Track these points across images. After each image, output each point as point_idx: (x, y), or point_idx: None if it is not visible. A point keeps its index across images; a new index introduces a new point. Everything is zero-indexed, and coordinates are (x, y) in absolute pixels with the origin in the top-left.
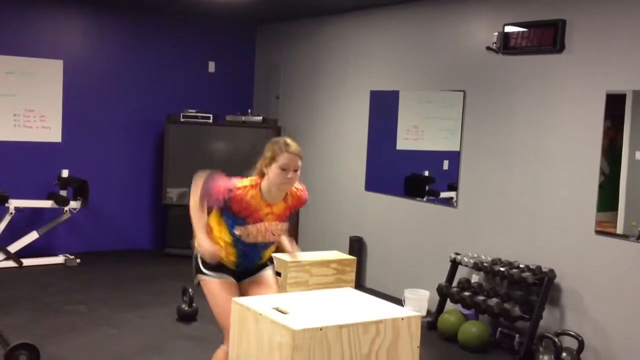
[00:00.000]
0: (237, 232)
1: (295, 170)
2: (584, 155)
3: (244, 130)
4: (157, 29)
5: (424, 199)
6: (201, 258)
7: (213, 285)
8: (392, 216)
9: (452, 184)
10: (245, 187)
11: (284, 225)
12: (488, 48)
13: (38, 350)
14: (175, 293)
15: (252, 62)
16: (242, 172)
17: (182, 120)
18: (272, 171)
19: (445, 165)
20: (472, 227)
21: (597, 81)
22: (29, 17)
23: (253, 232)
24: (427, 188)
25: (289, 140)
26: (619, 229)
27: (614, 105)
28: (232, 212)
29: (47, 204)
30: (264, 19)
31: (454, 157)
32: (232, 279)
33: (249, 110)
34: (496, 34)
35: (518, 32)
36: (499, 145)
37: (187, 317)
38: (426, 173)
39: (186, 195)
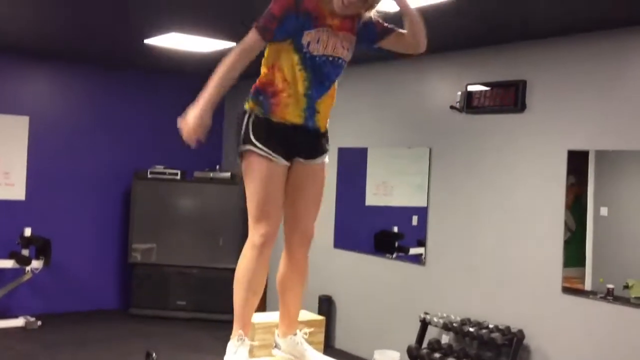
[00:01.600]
0: (306, 38)
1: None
2: (548, 212)
3: (212, 186)
4: (124, 84)
5: (394, 256)
6: (254, 121)
7: (261, 165)
8: (362, 274)
9: (421, 240)
10: None
11: (352, 38)
12: (452, 107)
13: None
14: (141, 355)
15: (221, 118)
16: (211, 229)
17: (149, 176)
18: None
19: (414, 220)
20: (441, 285)
21: (558, 139)
22: None
23: (323, 37)
24: (396, 244)
25: None
26: (587, 285)
27: (578, 161)
28: (301, 15)
29: (8, 263)
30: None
31: (423, 212)
32: (284, 162)
33: (217, 167)
34: (459, 93)
35: (480, 91)
36: (465, 201)
37: None
38: (395, 229)
39: (152, 252)
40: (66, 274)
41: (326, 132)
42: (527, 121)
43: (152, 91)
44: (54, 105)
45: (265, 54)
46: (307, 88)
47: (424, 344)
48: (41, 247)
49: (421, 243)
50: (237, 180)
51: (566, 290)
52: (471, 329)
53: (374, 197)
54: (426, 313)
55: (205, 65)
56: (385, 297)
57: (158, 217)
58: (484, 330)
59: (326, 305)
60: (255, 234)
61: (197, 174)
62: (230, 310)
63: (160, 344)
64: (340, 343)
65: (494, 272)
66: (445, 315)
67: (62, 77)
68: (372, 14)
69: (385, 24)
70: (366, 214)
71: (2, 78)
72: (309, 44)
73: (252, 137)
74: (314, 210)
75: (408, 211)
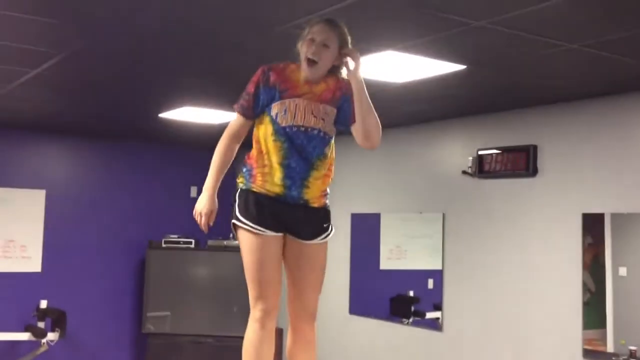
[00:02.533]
0: (274, 110)
1: (325, 46)
2: (565, 273)
3: (225, 254)
4: (139, 156)
5: (410, 321)
6: (240, 195)
7: (249, 238)
8: (378, 341)
9: (437, 304)
10: (286, 63)
11: (329, 109)
12: (464, 172)
13: None
14: None
15: (233, 185)
16: (225, 297)
17: (163, 246)
18: (303, 46)
19: (430, 284)
20: (458, 350)
21: (572, 203)
22: (10, 147)
23: (291, 107)
24: (412, 308)
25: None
26: (609, 347)
27: (595, 221)
28: (269, 88)
29: (25, 336)
30: (242, 145)
31: (438, 275)
32: (273, 233)
33: (231, 235)
34: (471, 158)
35: (491, 156)
36: (480, 264)
37: None
38: (411, 293)
39: (166, 321)
40: (81, 346)
41: (324, 208)
42: (540, 185)
43: (165, 162)
44: (69, 178)
45: (254, 129)
46: (283, 157)
47: None
48: (57, 319)
49: (437, 307)
50: None
51: (587, 353)
52: None
53: (388, 261)
54: None
55: (216, 136)
56: None
57: (172, 285)
58: None
59: None
60: (254, 308)
61: (210, 242)
62: None
63: None
64: None
65: (512, 336)
66: None
67: (77, 150)
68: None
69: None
70: (381, 278)
71: (19, 153)
72: (277, 115)
73: (237, 211)
74: (314, 288)
75: (423, 274)
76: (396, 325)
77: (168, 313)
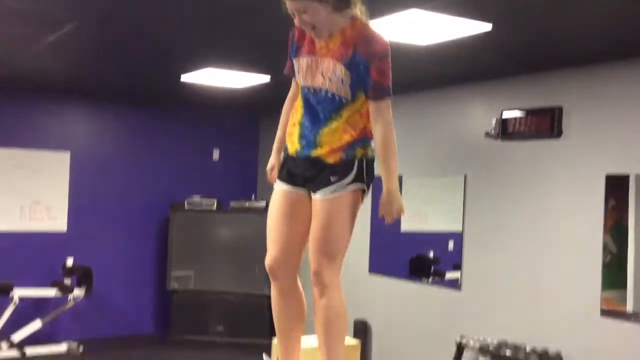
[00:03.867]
0: (295, 65)
1: (303, 12)
2: (586, 235)
3: (247, 216)
4: (161, 118)
5: (429, 281)
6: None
7: (273, 193)
8: (397, 299)
9: (457, 264)
10: None
11: (338, 69)
12: (487, 134)
13: None
14: None
15: (256, 147)
16: (247, 257)
17: (186, 207)
18: None
19: (450, 245)
20: (477, 309)
21: (596, 164)
22: (36, 110)
23: (303, 66)
24: (432, 269)
25: None
26: (629, 307)
27: (618, 184)
28: (293, 47)
29: (52, 292)
30: (265, 107)
31: (458, 238)
32: (287, 187)
33: (253, 196)
34: (494, 120)
35: (516, 118)
36: (501, 227)
37: None
38: (431, 254)
39: (190, 279)
40: (106, 302)
41: (340, 163)
42: (564, 147)
43: (188, 124)
44: (93, 140)
45: None
46: (301, 116)
47: None
48: (82, 276)
49: (457, 267)
50: None
51: (606, 312)
52: (508, 352)
53: (409, 224)
54: (462, 337)
55: (239, 98)
56: (421, 322)
57: (195, 246)
58: (521, 353)
59: (361, 330)
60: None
61: (233, 203)
62: (265, 334)
63: None
64: None
65: (530, 295)
66: (481, 338)
67: (101, 113)
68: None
69: (376, 87)
70: (401, 239)
71: (44, 116)
72: (296, 70)
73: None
74: (316, 249)
75: (444, 236)
76: (415, 283)
77: (192, 272)
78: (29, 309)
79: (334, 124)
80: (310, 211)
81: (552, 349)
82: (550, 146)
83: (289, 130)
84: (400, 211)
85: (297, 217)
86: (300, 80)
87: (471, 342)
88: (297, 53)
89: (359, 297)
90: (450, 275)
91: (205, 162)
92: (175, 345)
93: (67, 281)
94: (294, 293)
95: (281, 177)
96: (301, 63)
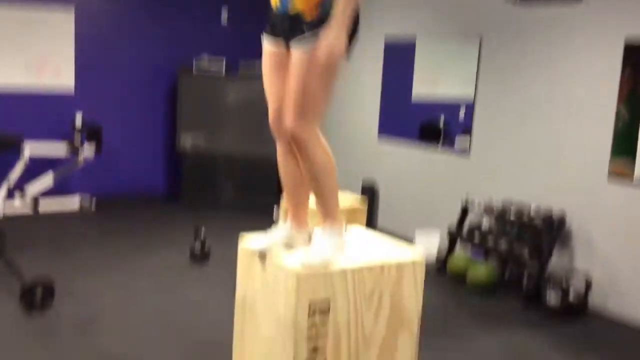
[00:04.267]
0: None
1: None
2: (600, 102)
3: (256, 79)
4: None
5: (439, 147)
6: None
7: (263, 51)
8: (406, 162)
9: (467, 130)
10: None
11: None
12: None
13: (53, 286)
14: (190, 238)
15: (266, 6)
16: (256, 119)
17: (194, 72)
18: None
19: (461, 112)
20: (484, 173)
21: (615, 32)
22: None
23: None
24: (442, 135)
25: None
26: (637, 173)
27: (636, 53)
28: None
29: (62, 149)
30: None
31: (470, 104)
32: (278, 45)
33: None
34: None
35: None
36: (513, 92)
37: (199, 259)
38: (441, 120)
39: (200, 141)
40: (117, 161)
41: (316, 21)
42: (584, 12)
43: None
44: None
45: None
46: None
47: (465, 227)
48: (92, 134)
49: (467, 133)
50: None
51: (613, 178)
52: (512, 213)
53: (420, 88)
54: (467, 198)
55: None
56: (428, 185)
57: (205, 108)
58: (525, 213)
59: (369, 192)
60: None
61: (242, 64)
62: (273, 193)
63: (208, 225)
64: (382, 223)
65: (539, 160)
66: (487, 199)
67: None
68: None
69: None
70: (412, 105)
71: None
72: None
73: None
74: (289, 102)
75: (455, 103)
76: (424, 149)
77: (202, 135)
78: (40, 167)
79: None
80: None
81: (557, 210)
82: (570, 11)
83: None
84: (336, 49)
85: (284, 72)
86: None
87: (476, 204)
88: None
89: (368, 161)
90: (459, 142)
91: (214, 22)
92: (186, 205)
93: (77, 139)
94: (285, 151)
95: (266, 33)
96: None
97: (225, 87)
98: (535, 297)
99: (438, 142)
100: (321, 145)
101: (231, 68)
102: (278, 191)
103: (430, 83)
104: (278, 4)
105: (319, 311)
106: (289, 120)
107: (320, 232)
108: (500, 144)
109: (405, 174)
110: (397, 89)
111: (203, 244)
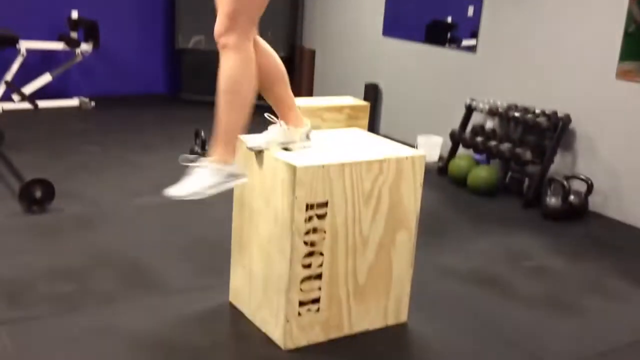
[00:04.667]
0: None
1: None
2: (610, 1)
3: None
4: None
5: (445, 46)
6: None
7: None
8: (410, 62)
9: (475, 31)
10: None
11: None
12: None
13: (52, 186)
14: (190, 137)
15: None
16: (260, 20)
17: None
18: None
19: (470, 11)
20: (490, 72)
21: None
22: None
23: None
24: (449, 35)
25: None
26: None
27: None
28: None
29: (59, 46)
30: None
31: (479, 2)
32: None
33: None
34: None
35: None
36: None
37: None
38: (449, 19)
39: (200, 40)
40: (115, 58)
41: None
42: None
43: None
44: None
45: None
46: None
47: (468, 129)
48: (89, 30)
49: (475, 35)
50: None
51: (620, 79)
52: (516, 114)
53: None
54: (472, 99)
55: None
56: (433, 85)
57: (204, 5)
58: (529, 115)
59: (372, 93)
60: None
61: None
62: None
63: (208, 127)
64: (384, 129)
65: (546, 60)
66: (491, 101)
67: None
68: None
69: None
70: (418, 2)
71: None
72: None
73: None
74: (220, 4)
75: (464, 1)
76: (430, 47)
77: (201, 35)
78: (37, 65)
79: None
80: None
81: (562, 111)
82: None
83: None
84: None
85: None
86: None
87: (480, 105)
88: None
89: (371, 60)
90: (467, 42)
91: None
92: (186, 104)
93: (74, 35)
94: (256, 52)
95: None
96: None
97: None
98: (535, 200)
99: (445, 43)
100: (243, 52)
101: None
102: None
103: None
104: None
105: (317, 206)
106: (218, 25)
107: (199, 165)
108: (507, 43)
109: (410, 74)
110: None
111: (203, 144)
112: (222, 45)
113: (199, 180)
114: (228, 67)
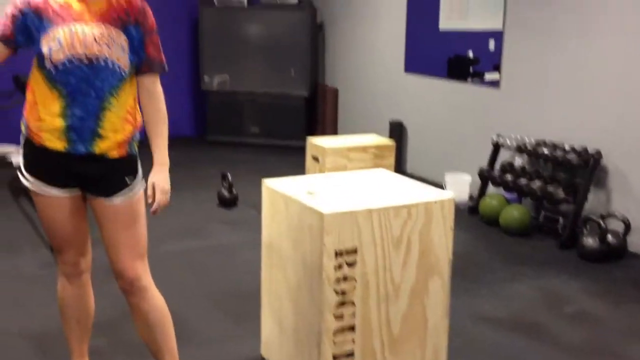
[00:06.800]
0: (43, 48)
1: None
2: (637, 31)
3: (278, 13)
4: None
5: (468, 81)
6: (24, 144)
7: (35, 197)
8: (434, 98)
9: (497, 65)
10: None
11: (115, 33)
12: None
13: None
14: (217, 179)
15: None
16: (281, 56)
17: (216, 4)
18: None
19: (491, 45)
20: (516, 107)
21: None
22: None
23: (65, 37)
24: (471, 70)
25: None
26: None
27: None
28: (35, 20)
29: None
30: None
31: (499, 36)
32: (57, 194)
33: None
34: None
35: None
36: (544, 21)
37: (227, 203)
38: (470, 54)
39: (225, 80)
40: None
41: (128, 158)
42: None
43: None
44: None
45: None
46: (63, 107)
47: (496, 167)
48: None
49: (497, 69)
50: (304, 6)
51: None
52: (546, 151)
53: (448, 20)
54: (499, 136)
55: None
56: (458, 121)
57: (228, 45)
58: (559, 151)
59: (397, 130)
60: (58, 262)
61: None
62: (299, 135)
63: (234, 168)
64: (411, 167)
65: (573, 92)
66: (519, 137)
67: None
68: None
69: (154, 61)
70: (439, 37)
71: None
72: (50, 50)
73: (21, 164)
74: (127, 250)
75: (485, 35)
76: (453, 83)
77: (225, 74)
78: None
79: (114, 108)
80: (85, 208)
81: (592, 146)
82: None
83: (36, 125)
84: (168, 196)
85: (79, 217)
86: (59, 56)
87: (508, 141)
88: (50, 25)
89: (394, 97)
90: (489, 76)
91: None
92: (212, 146)
93: None
94: (84, 291)
95: (39, 177)
96: (59, 34)
97: (246, 19)
98: (571, 240)
99: (467, 78)
100: (158, 294)
101: (252, 1)
102: (305, 133)
103: (458, 15)
104: (66, 144)
105: (346, 253)
106: (133, 271)
107: None
108: (531, 78)
109: (434, 111)
110: (423, 21)
111: (230, 187)
112: (142, 288)
113: None
114: (159, 305)
